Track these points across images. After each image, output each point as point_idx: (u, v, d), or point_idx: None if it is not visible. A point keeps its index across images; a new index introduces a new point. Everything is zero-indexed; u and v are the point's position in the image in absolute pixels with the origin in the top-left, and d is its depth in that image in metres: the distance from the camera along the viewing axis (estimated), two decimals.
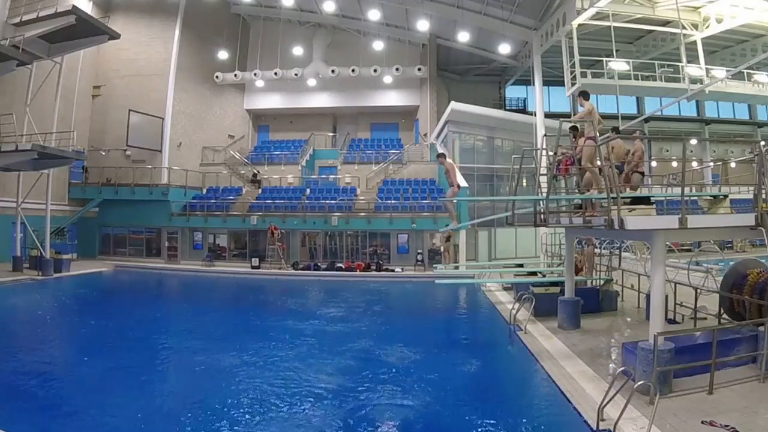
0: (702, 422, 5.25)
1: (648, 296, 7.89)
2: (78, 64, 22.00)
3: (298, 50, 28.56)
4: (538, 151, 9.97)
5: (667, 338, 6.34)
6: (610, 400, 5.43)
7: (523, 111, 31.19)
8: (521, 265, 16.39)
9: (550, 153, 8.60)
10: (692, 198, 9.30)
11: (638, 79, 20.27)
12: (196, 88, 26.70)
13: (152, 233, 23.64)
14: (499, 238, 23.84)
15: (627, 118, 21.24)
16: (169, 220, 22.70)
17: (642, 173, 8.18)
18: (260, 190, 25.26)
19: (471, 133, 25.22)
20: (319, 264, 21.02)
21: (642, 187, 8.22)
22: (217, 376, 7.56)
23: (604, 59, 19.67)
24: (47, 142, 17.00)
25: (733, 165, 25.55)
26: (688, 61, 18.87)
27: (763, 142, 7.65)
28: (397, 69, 26.79)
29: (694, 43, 18.88)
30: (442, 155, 11.33)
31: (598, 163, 7.72)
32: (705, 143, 30.77)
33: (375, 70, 26.69)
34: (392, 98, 29.55)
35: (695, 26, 19.16)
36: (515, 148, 24.23)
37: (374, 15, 26.01)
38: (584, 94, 8.79)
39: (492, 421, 6.03)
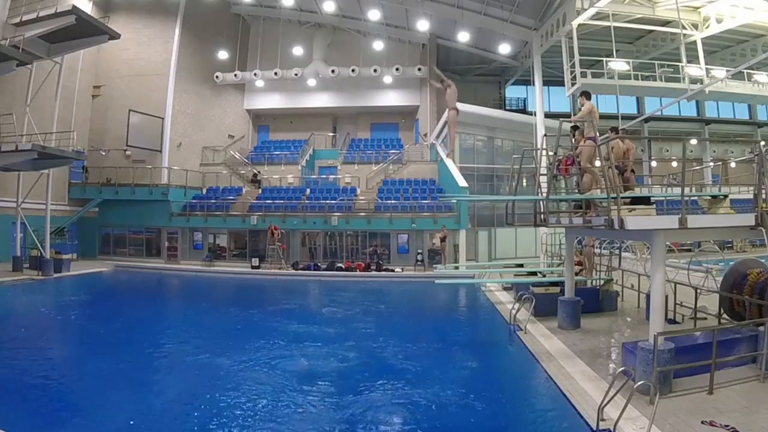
0: (702, 422, 5.25)
1: (648, 296, 7.89)
2: (78, 64, 21.99)
3: (298, 50, 28.56)
4: (538, 151, 9.98)
5: (667, 338, 6.34)
6: (610, 400, 5.43)
7: (523, 111, 31.19)
8: (521, 265, 16.39)
9: (550, 153, 8.60)
10: (692, 198, 9.30)
11: (638, 79, 20.28)
12: (196, 88, 26.69)
13: (152, 233, 23.63)
14: (499, 238, 23.86)
15: (627, 118, 21.26)
16: (169, 220, 22.70)
17: (633, 171, 8.22)
18: (260, 190, 25.26)
19: (471, 133, 25.24)
20: (319, 264, 21.02)
21: (642, 187, 8.24)
22: (218, 377, 7.56)
23: (604, 59, 19.68)
24: (47, 142, 16.99)
25: (733, 165, 25.55)
26: (688, 61, 18.88)
27: (763, 142, 7.65)
28: (397, 69, 26.78)
29: (694, 43, 18.90)
30: (442, 80, 11.04)
31: (598, 163, 7.73)
32: (705, 143, 30.78)
33: (375, 70, 26.69)
34: (392, 98, 29.54)
35: (695, 26, 19.17)
36: (515, 148, 24.26)
37: (374, 15, 26.01)
38: (585, 94, 8.80)
39: (492, 421, 6.03)
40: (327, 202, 22.70)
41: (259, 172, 26.53)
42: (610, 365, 7.56)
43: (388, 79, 27.77)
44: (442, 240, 19.82)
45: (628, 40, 24.03)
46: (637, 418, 5.34)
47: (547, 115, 22.57)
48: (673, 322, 9.47)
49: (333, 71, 27.15)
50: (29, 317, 12.41)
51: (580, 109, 8.92)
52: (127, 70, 24.63)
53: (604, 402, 5.45)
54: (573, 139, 8.81)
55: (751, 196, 6.84)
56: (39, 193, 18.38)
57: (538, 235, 18.82)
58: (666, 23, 20.39)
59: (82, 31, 16.73)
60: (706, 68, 19.81)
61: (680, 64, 19.10)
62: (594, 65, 21.05)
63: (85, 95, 23.71)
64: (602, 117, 9.44)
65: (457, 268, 19.19)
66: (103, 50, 23.27)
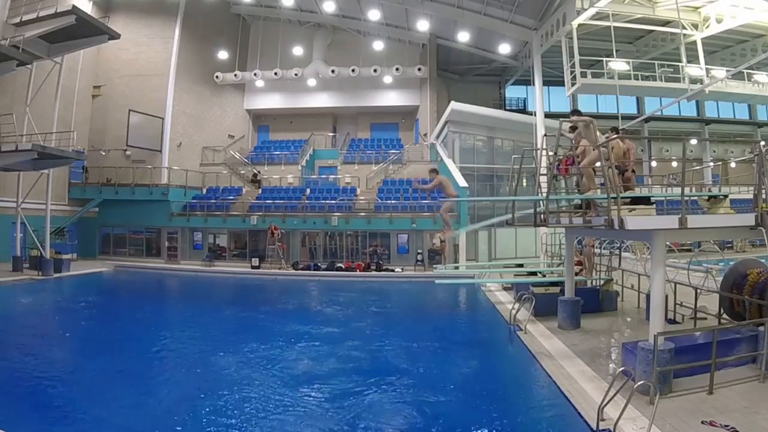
0: (702, 422, 5.25)
1: (648, 296, 7.89)
2: (78, 64, 22.00)
3: (298, 50, 28.57)
4: (538, 151, 9.97)
5: (667, 338, 6.33)
6: (610, 400, 5.43)
7: (523, 111, 31.18)
8: (521, 265, 16.39)
9: (550, 153, 8.59)
10: (692, 198, 9.29)
11: (638, 79, 20.25)
12: (196, 88, 26.70)
13: (152, 233, 23.63)
14: (499, 238, 23.83)
15: (627, 118, 21.24)
16: (169, 220, 22.70)
17: (633, 171, 8.22)
18: (260, 190, 25.26)
19: (471, 133, 25.20)
20: (319, 264, 21.02)
21: (642, 186, 8.24)
22: (218, 377, 7.56)
23: (604, 59, 19.65)
24: (47, 142, 16.99)
25: (733, 165, 25.55)
26: (688, 61, 18.87)
27: (763, 142, 7.65)
28: (397, 69, 26.78)
29: (694, 43, 18.88)
30: (434, 170, 11.47)
31: (597, 164, 7.72)
32: (705, 143, 30.78)
33: (375, 70, 26.69)
34: (392, 98, 29.54)
35: (695, 26, 19.16)
36: (515, 148, 24.23)
37: (374, 15, 26.01)
38: (577, 112, 8.74)
39: (492, 421, 6.03)
40: (327, 202, 22.70)
41: (259, 172, 26.54)
42: (610, 365, 7.56)
43: (388, 79, 27.78)
44: (442, 240, 19.79)
45: (628, 40, 24.01)
46: (637, 418, 5.34)
47: (547, 115, 22.53)
48: (673, 322, 9.47)
49: (333, 71, 27.15)
50: (29, 317, 12.41)
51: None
52: (127, 70, 24.63)
53: (604, 402, 5.45)
54: (573, 140, 8.80)
55: (751, 196, 6.84)
56: (39, 193, 18.37)
57: (538, 235, 18.81)
58: (666, 23, 20.37)
59: (82, 31, 16.72)
60: (706, 68, 19.79)
61: (680, 64, 19.09)
62: (594, 65, 21.03)
63: (85, 95, 23.71)
64: (602, 117, 9.43)
65: (457, 268, 19.18)
66: (103, 50, 23.27)
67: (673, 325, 9.23)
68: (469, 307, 14.95)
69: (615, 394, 5.43)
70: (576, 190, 8.94)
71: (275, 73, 27.41)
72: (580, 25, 18.61)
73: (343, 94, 29.72)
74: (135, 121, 23.90)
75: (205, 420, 5.91)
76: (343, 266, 20.71)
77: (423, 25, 26.11)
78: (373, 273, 20.02)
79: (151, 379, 7.59)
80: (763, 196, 6.55)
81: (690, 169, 13.69)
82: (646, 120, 29.24)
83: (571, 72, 19.17)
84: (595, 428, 5.36)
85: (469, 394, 6.94)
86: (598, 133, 8.04)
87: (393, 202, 22.26)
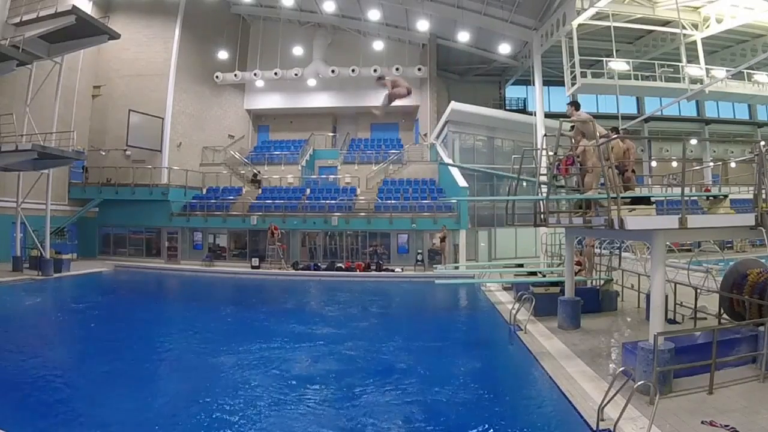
0: (702, 422, 5.25)
1: (648, 296, 7.89)
2: (78, 64, 21.99)
3: (298, 50, 28.58)
4: (538, 151, 9.97)
5: (667, 338, 6.33)
6: (610, 400, 5.43)
7: (523, 111, 31.19)
8: (521, 265, 16.39)
9: (550, 153, 8.59)
10: (692, 198, 9.29)
11: (638, 79, 20.27)
12: (196, 88, 26.70)
13: (152, 233, 23.64)
14: (499, 238, 23.83)
15: (627, 118, 21.24)
16: (169, 220, 22.70)
17: (633, 171, 8.22)
18: (260, 190, 25.26)
19: (471, 133, 25.22)
20: (319, 264, 21.01)
21: (642, 186, 8.23)
22: (218, 377, 7.56)
23: (604, 59, 19.67)
24: (47, 142, 16.98)
25: (733, 165, 25.55)
26: (688, 61, 18.88)
27: (763, 142, 7.64)
28: (397, 69, 26.75)
29: (694, 43, 18.89)
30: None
31: (597, 162, 7.72)
32: (705, 143, 30.78)
33: (375, 70, 26.59)
34: None
35: (695, 26, 19.17)
36: (515, 148, 24.24)
37: (374, 15, 26.02)
38: (575, 104, 8.71)
39: (492, 421, 6.03)
40: (327, 202, 22.70)
41: (259, 172, 26.54)
42: (610, 365, 7.56)
43: None
44: (442, 240, 19.82)
45: (628, 40, 24.02)
46: (637, 418, 5.34)
47: (547, 115, 22.55)
48: (673, 322, 9.47)
49: (333, 71, 27.17)
50: (30, 317, 12.41)
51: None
52: (127, 70, 24.63)
53: (604, 402, 5.45)
54: (573, 140, 8.79)
55: (751, 196, 6.84)
56: (39, 193, 18.37)
57: (538, 235, 18.81)
58: (666, 23, 20.37)
59: (82, 31, 16.72)
60: (706, 68, 19.80)
61: (680, 64, 19.10)
62: (594, 65, 21.05)
63: (85, 95, 23.71)
64: (602, 117, 9.43)
65: (457, 268, 19.18)
66: (103, 50, 23.27)
67: (673, 325, 9.23)
68: (469, 307, 14.93)
69: (615, 394, 5.42)
70: (576, 190, 8.94)
71: (275, 73, 27.43)
72: (580, 25, 18.62)
73: (343, 94, 29.72)
74: (135, 121, 23.90)
75: (205, 421, 5.90)
76: (343, 266, 20.70)
77: (423, 25, 26.12)
78: (373, 273, 20.01)
79: (150, 379, 7.60)
80: (763, 196, 6.55)
81: (690, 169, 13.69)
82: (646, 120, 29.25)
83: (571, 72, 19.18)
84: (595, 428, 5.35)
85: (470, 394, 6.94)
86: (600, 129, 8.02)
87: (393, 202, 22.25)
